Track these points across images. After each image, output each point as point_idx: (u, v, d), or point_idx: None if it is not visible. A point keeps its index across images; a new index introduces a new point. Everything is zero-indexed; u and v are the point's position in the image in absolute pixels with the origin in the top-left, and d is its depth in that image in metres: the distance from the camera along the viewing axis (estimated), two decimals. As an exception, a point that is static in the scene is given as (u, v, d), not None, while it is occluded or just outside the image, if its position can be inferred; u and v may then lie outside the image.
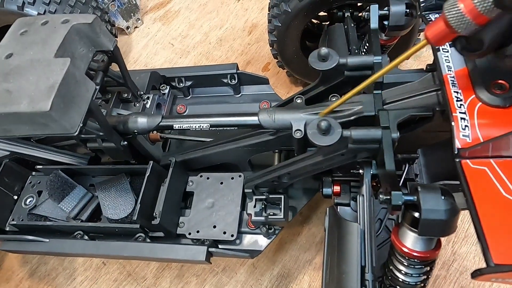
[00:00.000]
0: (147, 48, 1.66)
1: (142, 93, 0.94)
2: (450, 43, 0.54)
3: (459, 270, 0.96)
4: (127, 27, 1.70)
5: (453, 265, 0.96)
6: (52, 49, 0.65)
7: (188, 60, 1.57)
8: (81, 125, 0.65)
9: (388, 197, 0.52)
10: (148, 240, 0.82)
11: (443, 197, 0.50)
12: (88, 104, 0.66)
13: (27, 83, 0.61)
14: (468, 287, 0.93)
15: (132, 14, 1.70)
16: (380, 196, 0.54)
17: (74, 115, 0.63)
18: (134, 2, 1.67)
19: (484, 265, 0.42)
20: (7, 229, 0.93)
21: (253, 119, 0.74)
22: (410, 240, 0.55)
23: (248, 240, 0.84)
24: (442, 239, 0.58)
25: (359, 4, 1.05)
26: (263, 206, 0.83)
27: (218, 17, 1.68)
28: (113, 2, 1.60)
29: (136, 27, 1.74)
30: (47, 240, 0.83)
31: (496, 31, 0.36)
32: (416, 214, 0.51)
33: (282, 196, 0.81)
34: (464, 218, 1.02)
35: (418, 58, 1.33)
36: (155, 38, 1.68)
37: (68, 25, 0.69)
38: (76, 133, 0.64)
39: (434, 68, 0.64)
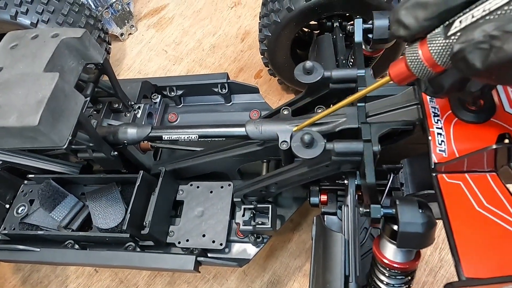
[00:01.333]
0: (140, 55, 1.67)
1: (133, 103, 0.95)
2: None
3: (446, 276, 0.97)
4: (121, 34, 1.71)
5: (440, 271, 0.98)
6: (41, 63, 0.66)
7: (182, 67, 1.58)
8: (70, 138, 0.66)
9: (368, 210, 0.54)
10: (138, 249, 0.83)
11: (420, 210, 0.51)
12: (77, 117, 0.67)
13: (16, 97, 0.62)
14: (454, 294, 0.95)
15: (126, 21, 1.71)
16: (361, 209, 0.55)
17: (63, 129, 0.64)
18: (128, 9, 1.69)
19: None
20: (-1, 238, 0.94)
21: (240, 130, 0.75)
22: (390, 252, 0.56)
23: (237, 249, 0.85)
24: (430, 246, 0.60)
25: (347, 14, 1.07)
26: (251, 215, 0.85)
27: (212, 24, 1.69)
28: (107, 10, 1.62)
29: (130, 33, 1.75)
30: (38, 249, 0.84)
31: (454, 79, 0.37)
32: (395, 227, 0.53)
33: (270, 206, 0.83)
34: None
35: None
36: (148, 45, 1.70)
37: (57, 39, 0.70)
38: (65, 146, 0.65)
39: (414, 82, 0.66)
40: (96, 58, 0.76)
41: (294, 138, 0.63)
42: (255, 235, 0.83)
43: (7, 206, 0.98)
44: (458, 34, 0.27)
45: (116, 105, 0.93)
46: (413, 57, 0.31)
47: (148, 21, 1.78)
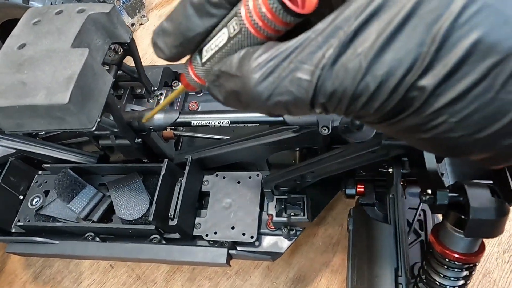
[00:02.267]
0: (152, 46, 1.62)
1: (155, 89, 0.91)
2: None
3: (482, 272, 0.93)
4: (132, 24, 1.66)
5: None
6: (68, 39, 0.61)
7: (196, 58, 1.54)
8: (99, 119, 0.61)
9: (432, 196, 0.49)
10: (164, 242, 0.79)
11: (492, 196, 0.47)
12: (106, 98, 0.62)
13: (43, 74, 0.57)
14: (491, 290, 0.91)
15: (137, 11, 1.66)
16: (423, 195, 0.51)
17: (92, 109, 0.59)
18: (139, -1, 1.64)
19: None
20: (13, 230, 0.89)
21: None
22: (453, 241, 0.52)
23: (268, 242, 0.81)
24: (482, 255, 0.56)
25: None
26: (283, 207, 0.80)
27: (225, 15, 1.65)
28: (118, -2, 1.57)
29: (141, 24, 1.70)
30: (57, 242, 0.79)
31: None
32: (462, 215, 0.48)
33: (304, 196, 0.78)
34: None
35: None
36: (161, 36, 1.64)
37: (84, 14, 0.65)
38: (94, 128, 0.60)
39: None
40: (124, 37, 0.71)
41: (342, 120, 0.59)
42: (289, 227, 0.79)
43: (21, 197, 0.93)
44: (208, 63, 0.28)
45: (139, 91, 0.89)
46: (187, 74, 0.30)
47: (160, 11, 1.73)
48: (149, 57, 1.59)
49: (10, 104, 0.56)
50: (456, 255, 0.52)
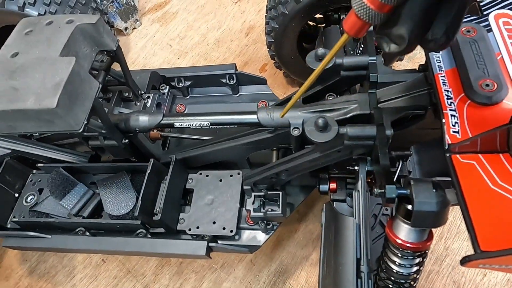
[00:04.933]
0: (145, 49, 1.67)
1: (142, 92, 0.96)
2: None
3: (452, 265, 0.98)
4: (126, 28, 1.72)
5: (446, 260, 0.99)
6: (57, 48, 0.67)
7: (186, 61, 1.59)
8: (86, 122, 0.66)
9: (383, 190, 0.55)
10: (149, 236, 0.84)
11: (434, 190, 0.52)
12: (92, 102, 0.68)
13: (33, 80, 0.63)
14: (460, 282, 0.96)
15: (130, 15, 1.71)
16: (375, 189, 0.56)
17: (79, 112, 0.65)
18: (132, 3, 1.69)
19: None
20: (9, 226, 0.94)
21: (252, 117, 0.76)
22: (404, 232, 0.57)
23: (247, 236, 0.86)
24: (435, 235, 0.61)
25: (354, 6, 1.08)
26: (261, 203, 0.85)
27: (216, 19, 1.70)
28: (111, 4, 1.62)
29: (134, 28, 1.75)
30: (50, 236, 0.85)
31: (410, 23, 0.36)
32: (409, 207, 0.54)
33: (280, 193, 0.83)
34: (456, 215, 1.05)
35: (412, 59, 1.36)
36: (153, 39, 1.70)
37: (72, 25, 0.70)
38: (81, 130, 0.65)
39: (426, 68, 0.67)
40: (110, 45, 0.76)
41: (308, 122, 0.64)
42: (265, 222, 0.84)
43: (16, 195, 0.98)
44: None
45: (126, 94, 0.94)
46: (359, 4, 0.33)
47: (152, 15, 1.79)
48: (141, 60, 1.64)
49: (3, 108, 0.61)
50: (408, 244, 0.58)
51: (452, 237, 1.02)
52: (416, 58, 1.37)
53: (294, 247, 1.08)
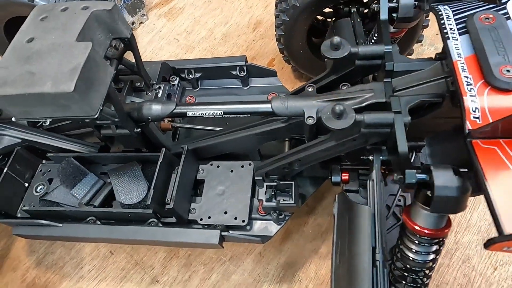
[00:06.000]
0: (152, 43, 1.67)
1: (154, 82, 0.96)
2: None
3: (462, 258, 0.98)
4: (133, 23, 1.71)
5: (456, 253, 0.99)
6: (73, 33, 0.67)
7: (193, 55, 1.59)
8: (101, 108, 0.66)
9: (402, 176, 0.55)
10: (160, 225, 0.84)
11: (455, 175, 0.52)
12: (107, 88, 0.68)
13: (49, 65, 0.63)
14: (470, 275, 0.96)
15: (137, 10, 1.71)
16: (395, 175, 0.56)
17: (95, 98, 0.65)
18: (139, -2, 1.69)
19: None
20: (19, 215, 0.94)
21: (266, 106, 0.76)
22: (422, 218, 0.57)
23: (259, 226, 0.86)
24: (449, 230, 0.61)
25: (365, 0, 1.08)
26: (273, 193, 0.85)
27: (223, 14, 1.70)
28: (119, -3, 1.62)
29: (141, 22, 1.75)
30: (61, 224, 0.85)
31: None
32: (429, 192, 0.53)
33: (293, 183, 0.83)
34: (466, 208, 1.04)
35: (420, 55, 1.36)
36: (160, 34, 1.70)
37: (87, 11, 0.70)
38: (96, 115, 0.65)
39: (443, 56, 0.67)
40: (124, 33, 0.76)
41: (325, 109, 0.64)
42: (277, 212, 0.84)
43: (26, 184, 0.98)
44: None
45: (138, 84, 0.94)
46: None
47: (159, 10, 1.79)
48: (148, 54, 1.64)
49: (20, 92, 0.61)
50: (426, 231, 0.57)
51: (462, 231, 1.02)
52: (424, 54, 1.37)
53: (303, 240, 1.07)
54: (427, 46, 1.39)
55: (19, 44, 0.67)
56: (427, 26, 1.11)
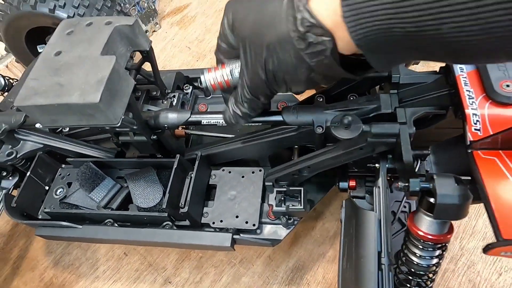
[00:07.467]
0: (164, 51, 1.73)
1: (169, 91, 1.00)
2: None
3: (467, 264, 1.00)
4: (146, 31, 1.77)
5: (461, 259, 1.01)
6: (98, 47, 0.71)
7: (205, 63, 1.64)
8: (123, 117, 0.71)
9: (407, 184, 0.58)
10: (175, 228, 0.88)
11: (456, 184, 0.55)
12: (129, 98, 0.72)
13: (77, 77, 0.67)
14: (475, 280, 0.98)
15: (151, 19, 1.77)
16: (399, 183, 0.59)
17: (118, 108, 0.69)
18: (153, 7, 1.75)
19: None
20: (40, 216, 0.99)
21: (277, 116, 0.80)
22: (426, 225, 0.60)
23: (268, 230, 0.89)
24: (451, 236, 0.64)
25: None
26: (282, 198, 0.89)
27: (233, 23, 1.75)
28: (134, 7, 1.68)
29: (154, 31, 1.81)
30: (81, 226, 0.89)
31: None
32: (432, 200, 0.57)
33: (302, 189, 0.87)
34: (471, 215, 1.07)
35: (427, 64, 1.39)
36: (172, 42, 1.75)
37: (111, 26, 0.75)
38: (119, 123, 0.70)
39: (446, 70, 0.70)
40: (144, 46, 0.81)
41: (333, 119, 0.67)
42: (287, 217, 0.87)
43: (47, 188, 1.03)
44: None
45: (154, 93, 0.98)
46: None
47: (172, 19, 1.84)
48: (161, 62, 1.69)
49: (50, 102, 0.65)
50: (429, 236, 0.61)
51: (467, 237, 1.04)
52: (428, 65, 1.40)
53: (311, 244, 1.11)
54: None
55: (48, 56, 0.72)
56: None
